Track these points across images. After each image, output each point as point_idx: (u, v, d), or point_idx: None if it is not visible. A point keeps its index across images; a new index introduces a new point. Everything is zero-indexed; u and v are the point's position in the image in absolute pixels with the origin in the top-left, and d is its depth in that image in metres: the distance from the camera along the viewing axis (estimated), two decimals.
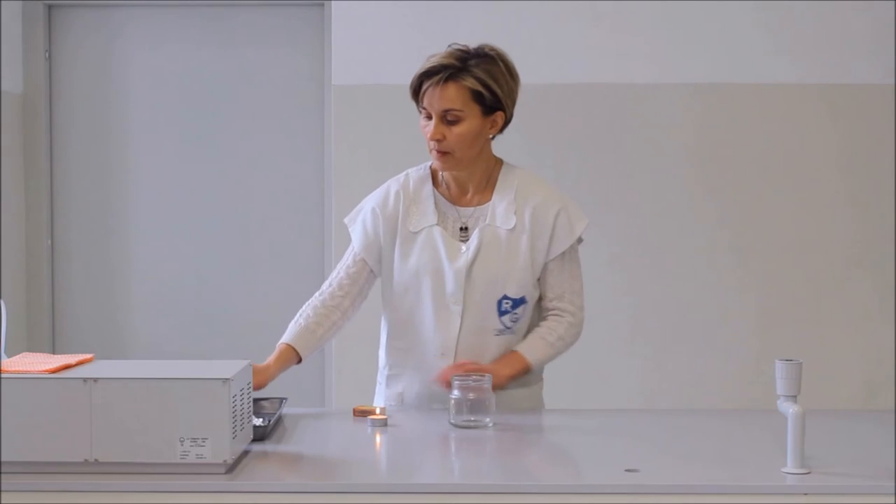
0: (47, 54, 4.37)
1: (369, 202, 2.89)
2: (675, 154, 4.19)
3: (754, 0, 4.14)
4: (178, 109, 4.38)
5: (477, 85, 2.71)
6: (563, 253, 2.82)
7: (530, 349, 2.80)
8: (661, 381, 4.18)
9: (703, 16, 4.15)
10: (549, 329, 2.82)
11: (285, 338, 2.82)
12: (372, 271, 2.86)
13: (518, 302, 2.81)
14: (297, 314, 2.86)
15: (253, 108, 4.37)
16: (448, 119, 2.72)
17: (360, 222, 2.88)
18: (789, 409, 2.17)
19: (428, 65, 2.72)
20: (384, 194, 2.87)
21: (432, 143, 2.74)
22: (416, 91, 2.75)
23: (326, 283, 2.89)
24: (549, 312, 2.85)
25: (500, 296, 2.79)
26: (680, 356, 4.19)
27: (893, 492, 2.09)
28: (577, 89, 4.17)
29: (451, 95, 2.70)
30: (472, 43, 2.79)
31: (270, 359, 2.78)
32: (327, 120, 4.29)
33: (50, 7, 4.39)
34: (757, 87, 4.17)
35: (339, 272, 2.87)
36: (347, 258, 2.88)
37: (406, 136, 4.09)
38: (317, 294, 2.88)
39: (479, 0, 4.15)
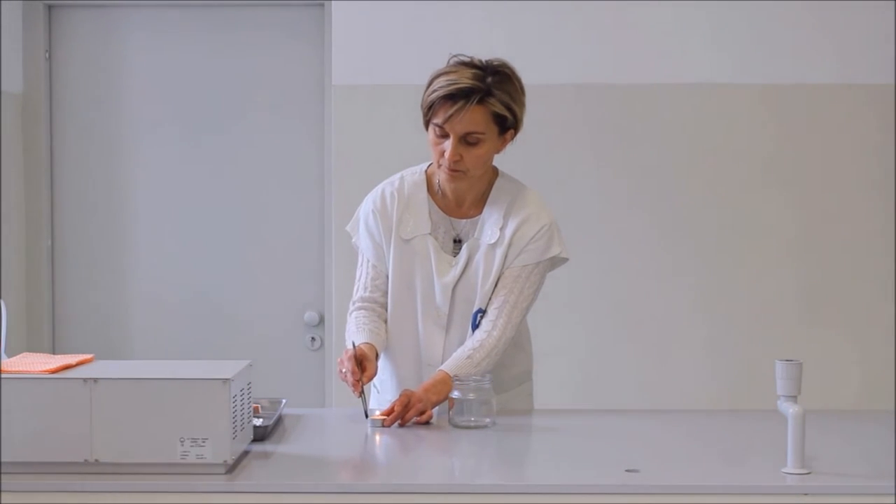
0: (47, 54, 4.37)
1: (366, 206, 2.88)
2: (675, 154, 4.19)
3: (754, 0, 4.14)
4: (177, 109, 4.38)
5: (502, 109, 2.68)
6: (525, 267, 2.78)
7: (457, 368, 2.69)
8: (661, 381, 4.18)
9: (703, 16, 4.15)
10: (477, 348, 2.72)
11: (362, 338, 2.74)
12: None
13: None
14: (353, 325, 2.79)
15: (253, 108, 4.37)
16: (468, 140, 2.68)
17: (364, 232, 2.85)
18: (789, 409, 2.17)
19: (451, 86, 2.64)
20: (380, 196, 2.85)
21: (446, 162, 2.71)
22: (429, 107, 2.69)
23: (356, 297, 2.84)
24: (483, 320, 2.76)
25: (475, 309, 2.79)
26: (680, 356, 4.19)
27: (893, 492, 2.09)
28: (577, 89, 4.17)
29: (476, 118, 2.66)
30: (470, 51, 2.77)
31: (365, 348, 2.68)
32: (327, 120, 4.29)
33: (50, 7, 4.38)
34: (757, 87, 4.17)
35: (365, 288, 2.83)
36: (368, 271, 2.84)
37: (406, 136, 4.08)
38: (354, 310, 2.83)
39: (479, 0, 4.15)
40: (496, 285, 2.78)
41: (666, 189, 4.19)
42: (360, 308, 2.83)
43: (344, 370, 2.64)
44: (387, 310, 2.84)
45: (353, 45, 4.17)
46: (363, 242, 2.86)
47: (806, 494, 2.09)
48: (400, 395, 2.64)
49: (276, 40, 4.35)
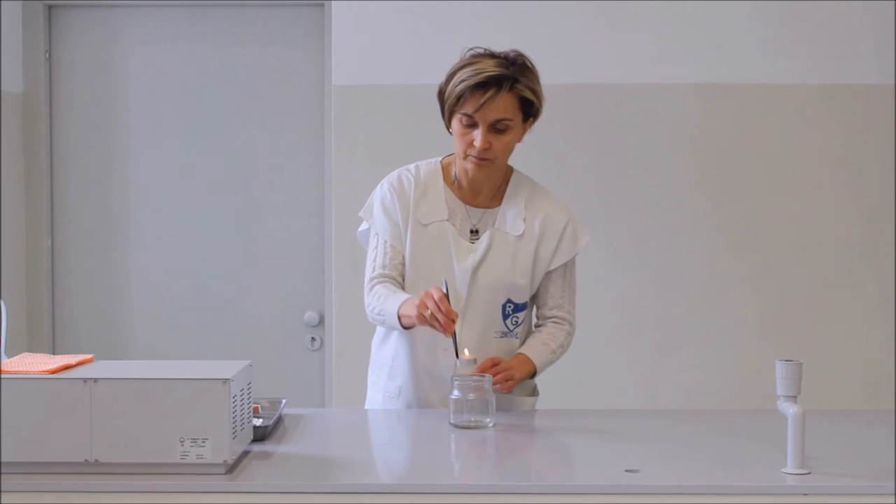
0: (47, 54, 4.37)
1: (383, 188, 2.86)
2: (675, 154, 4.19)
3: (755, 0, 4.14)
4: (177, 109, 4.38)
5: (530, 94, 2.72)
6: (566, 264, 2.86)
7: (535, 353, 2.82)
8: (662, 381, 4.18)
9: (703, 16, 4.15)
10: (552, 336, 2.86)
11: (405, 297, 2.71)
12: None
13: (520, 307, 2.83)
14: (383, 291, 2.75)
15: (253, 108, 4.37)
16: (497, 128, 2.72)
17: (380, 213, 2.84)
18: (789, 409, 2.17)
19: (481, 75, 2.67)
20: (397, 179, 2.86)
21: (475, 151, 2.73)
22: (457, 98, 2.70)
23: (373, 274, 2.82)
24: (549, 320, 2.89)
25: (504, 300, 2.81)
26: (680, 357, 4.19)
27: (893, 492, 2.09)
28: (577, 89, 4.17)
29: (506, 105, 2.70)
30: (474, 43, 2.79)
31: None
32: (327, 120, 4.29)
33: (50, 7, 4.38)
34: (757, 87, 4.17)
35: (383, 266, 2.81)
36: (386, 251, 2.82)
37: (406, 136, 4.09)
38: (376, 283, 2.80)
39: (479, 0, 4.15)
40: (540, 287, 2.86)
41: (666, 189, 4.19)
42: (381, 282, 2.80)
43: (428, 312, 2.58)
44: (404, 289, 2.82)
45: (353, 45, 4.17)
46: (379, 222, 2.85)
47: (806, 494, 2.09)
48: (486, 359, 2.73)
49: (276, 40, 4.35)
